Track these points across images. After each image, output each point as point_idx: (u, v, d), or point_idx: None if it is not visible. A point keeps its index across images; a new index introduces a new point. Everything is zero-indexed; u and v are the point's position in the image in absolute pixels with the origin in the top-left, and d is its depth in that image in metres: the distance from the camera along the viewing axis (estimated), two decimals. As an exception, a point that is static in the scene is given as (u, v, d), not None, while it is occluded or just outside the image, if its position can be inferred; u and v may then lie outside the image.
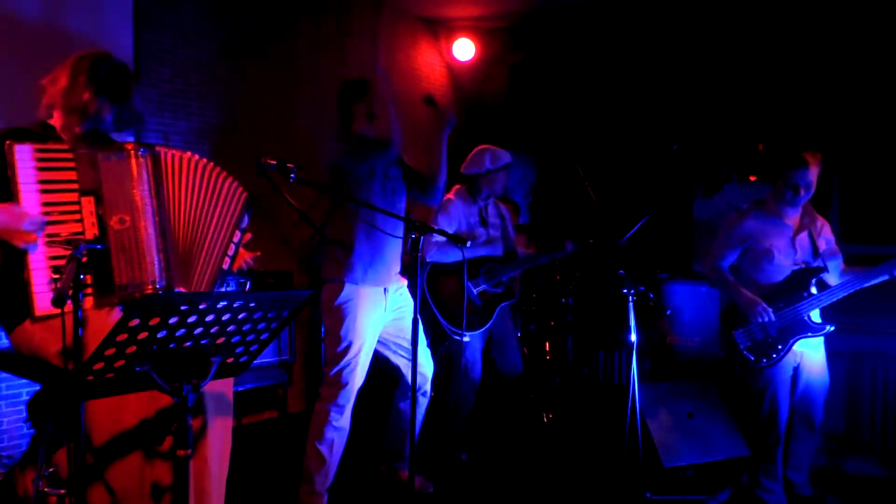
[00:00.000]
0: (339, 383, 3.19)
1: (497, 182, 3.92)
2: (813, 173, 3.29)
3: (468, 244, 2.90)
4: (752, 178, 5.14)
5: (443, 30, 6.12)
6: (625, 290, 3.42)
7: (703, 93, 5.25)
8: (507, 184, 4.00)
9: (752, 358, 3.36)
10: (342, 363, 3.18)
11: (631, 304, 3.42)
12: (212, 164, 2.49)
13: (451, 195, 3.94)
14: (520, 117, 6.17)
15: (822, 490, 3.59)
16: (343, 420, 3.23)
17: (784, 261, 3.38)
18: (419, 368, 3.33)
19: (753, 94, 5.05)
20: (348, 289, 3.20)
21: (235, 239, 2.54)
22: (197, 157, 2.46)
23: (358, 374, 3.23)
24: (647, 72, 5.48)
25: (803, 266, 3.38)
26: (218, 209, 2.50)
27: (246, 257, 2.69)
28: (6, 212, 2.10)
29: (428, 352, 3.50)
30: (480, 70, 6.26)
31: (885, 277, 3.27)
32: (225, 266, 2.52)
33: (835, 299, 3.35)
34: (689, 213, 5.37)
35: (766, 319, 3.31)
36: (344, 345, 3.19)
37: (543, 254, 4.09)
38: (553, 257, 4.10)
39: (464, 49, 6.07)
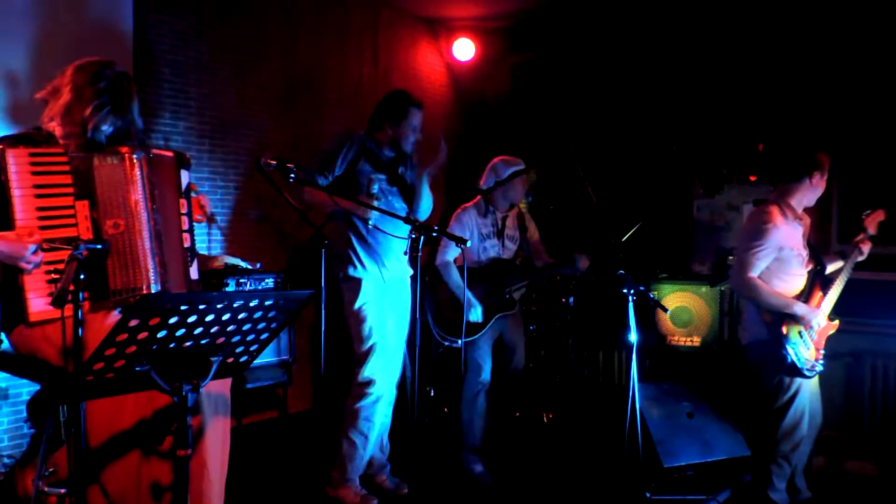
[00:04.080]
0: (367, 379, 3.39)
1: (511, 191, 3.94)
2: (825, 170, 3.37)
3: (468, 244, 2.93)
4: (753, 178, 5.13)
5: (443, 30, 6.11)
6: (625, 290, 3.42)
7: (703, 93, 5.25)
8: (522, 191, 3.97)
9: (807, 369, 3.28)
10: (364, 359, 3.40)
11: (631, 304, 3.41)
12: (161, 151, 2.44)
13: (468, 204, 4.02)
14: (520, 118, 6.16)
15: (822, 490, 3.59)
16: (377, 414, 3.42)
17: (804, 264, 3.40)
18: (390, 377, 3.51)
19: (753, 95, 5.05)
20: (364, 288, 3.39)
21: (184, 209, 2.45)
22: (162, 150, 2.43)
23: (383, 367, 3.42)
24: (648, 72, 5.48)
25: (814, 269, 3.42)
26: (169, 192, 2.43)
27: (202, 203, 2.57)
28: (7, 243, 2.09)
29: (400, 361, 3.57)
30: (481, 70, 6.26)
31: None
32: (186, 243, 2.44)
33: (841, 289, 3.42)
34: (689, 213, 5.37)
35: (821, 325, 3.32)
36: (365, 341, 3.40)
37: (556, 266, 3.99)
38: (571, 271, 3.93)
39: (464, 49, 6.06)
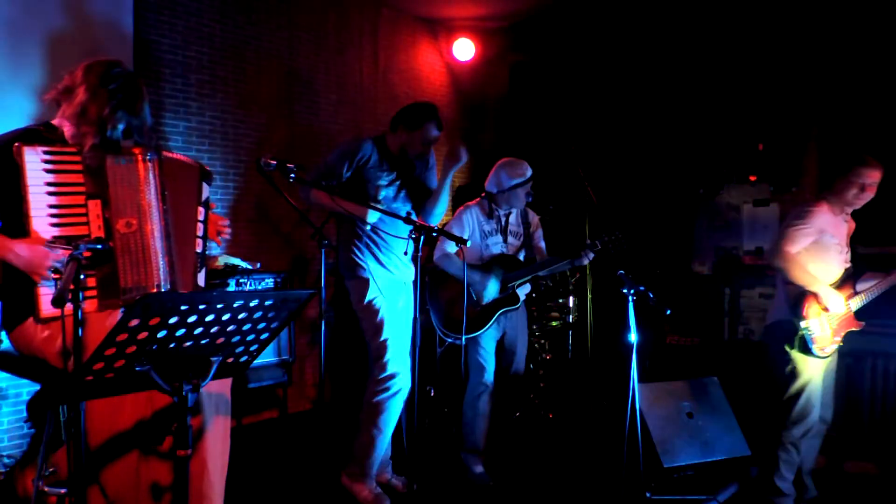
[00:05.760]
0: (389, 374, 3.42)
1: (515, 197, 3.93)
2: (877, 176, 3.36)
3: (468, 244, 2.94)
4: (753, 178, 5.14)
5: (443, 30, 6.12)
6: (625, 290, 3.42)
7: (703, 93, 5.25)
8: (525, 198, 3.96)
9: (814, 349, 3.35)
10: (382, 353, 3.43)
11: (631, 304, 3.42)
12: (181, 156, 2.49)
13: (471, 202, 4.02)
14: (520, 117, 6.17)
15: (823, 490, 3.60)
16: (395, 408, 3.46)
17: (842, 258, 3.46)
18: (407, 371, 3.51)
19: (754, 95, 5.05)
20: (372, 284, 3.45)
21: (200, 216, 2.50)
22: (178, 155, 2.48)
23: (401, 361, 3.45)
24: (648, 72, 5.48)
25: (849, 266, 3.47)
26: (188, 197, 2.48)
27: (219, 227, 2.64)
28: (31, 251, 2.12)
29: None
30: (480, 70, 6.26)
31: None
32: (198, 248, 2.49)
33: (872, 298, 3.46)
34: (689, 213, 5.37)
35: (840, 311, 3.38)
36: (381, 334, 3.44)
37: (560, 260, 4.00)
38: (571, 264, 3.90)
39: (464, 49, 6.06)
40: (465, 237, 3.83)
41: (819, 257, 3.42)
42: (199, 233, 2.50)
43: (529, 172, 3.94)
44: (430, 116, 3.51)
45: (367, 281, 3.45)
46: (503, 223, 3.98)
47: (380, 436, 3.44)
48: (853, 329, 3.44)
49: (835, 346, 3.39)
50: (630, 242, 3.86)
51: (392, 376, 3.42)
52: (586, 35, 5.70)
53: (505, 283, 3.88)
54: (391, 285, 3.52)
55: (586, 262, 3.85)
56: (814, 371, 3.39)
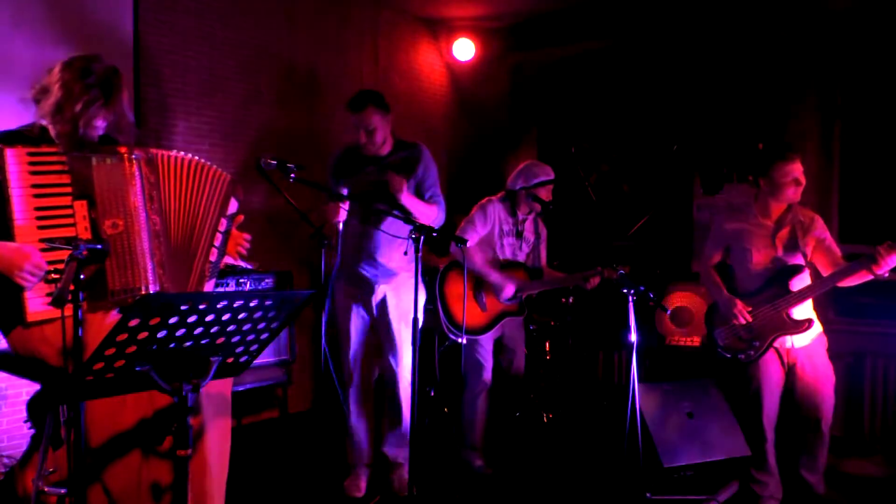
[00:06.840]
0: (348, 374, 3.56)
1: (537, 196, 3.94)
2: (777, 178, 3.36)
3: (467, 243, 2.95)
4: (752, 178, 5.13)
5: (443, 30, 6.11)
6: (625, 290, 3.43)
7: (704, 93, 5.25)
8: (547, 198, 3.98)
9: (729, 356, 3.47)
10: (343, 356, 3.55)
11: (631, 304, 3.42)
12: (200, 160, 2.46)
13: (495, 197, 4.03)
14: (520, 117, 6.16)
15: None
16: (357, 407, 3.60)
17: (763, 259, 3.43)
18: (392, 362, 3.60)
19: (753, 94, 5.05)
20: (332, 277, 3.47)
21: (221, 227, 2.49)
22: (189, 156, 2.44)
23: (359, 365, 3.57)
24: (648, 71, 5.48)
25: (783, 265, 3.40)
26: (204, 203, 2.46)
27: (240, 241, 2.63)
28: (10, 251, 2.09)
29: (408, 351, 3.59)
30: (480, 70, 6.25)
31: (861, 273, 3.20)
32: (213, 258, 2.47)
33: (811, 296, 3.34)
34: (689, 213, 5.37)
35: (742, 320, 3.38)
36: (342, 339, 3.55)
37: (567, 283, 4.03)
38: (582, 282, 3.91)
39: (464, 49, 6.05)
40: (488, 229, 3.90)
41: (738, 265, 3.52)
42: (217, 242, 2.48)
43: (554, 175, 3.98)
44: (350, 101, 3.47)
45: (334, 276, 3.47)
46: (520, 227, 4.02)
47: (351, 429, 3.59)
48: (788, 334, 3.35)
49: (762, 350, 3.37)
50: (634, 273, 3.88)
51: (347, 373, 3.59)
52: (586, 35, 5.69)
53: (516, 292, 3.92)
54: (358, 284, 3.52)
55: (589, 288, 3.88)
56: (757, 376, 3.41)
